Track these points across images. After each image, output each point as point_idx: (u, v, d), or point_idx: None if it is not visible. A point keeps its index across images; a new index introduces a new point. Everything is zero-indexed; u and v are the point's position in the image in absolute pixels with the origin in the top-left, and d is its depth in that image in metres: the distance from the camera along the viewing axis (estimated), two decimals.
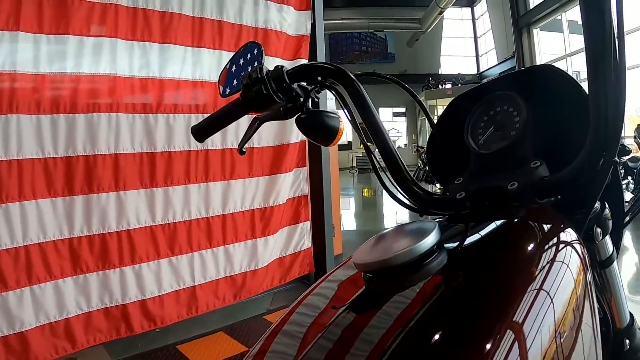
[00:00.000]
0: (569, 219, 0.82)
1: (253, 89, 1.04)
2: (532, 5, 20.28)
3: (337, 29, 25.68)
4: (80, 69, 3.05)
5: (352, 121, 1.08)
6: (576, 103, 0.85)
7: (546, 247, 0.73)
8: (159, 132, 3.36)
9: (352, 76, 1.02)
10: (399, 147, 25.25)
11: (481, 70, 27.34)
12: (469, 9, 28.08)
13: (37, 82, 2.91)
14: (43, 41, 2.92)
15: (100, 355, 3.21)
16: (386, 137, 0.99)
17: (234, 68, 1.17)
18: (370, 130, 0.99)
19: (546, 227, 0.78)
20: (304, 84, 1.07)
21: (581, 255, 0.74)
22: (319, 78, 1.06)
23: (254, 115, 1.11)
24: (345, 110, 1.07)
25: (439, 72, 27.70)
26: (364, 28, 25.99)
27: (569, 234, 0.76)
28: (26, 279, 2.88)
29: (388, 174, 1.01)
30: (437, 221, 0.79)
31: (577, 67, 18.36)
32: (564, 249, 0.74)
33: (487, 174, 0.89)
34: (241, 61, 1.15)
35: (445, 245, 0.71)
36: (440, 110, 26.04)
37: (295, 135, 4.10)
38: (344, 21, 24.79)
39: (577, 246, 0.75)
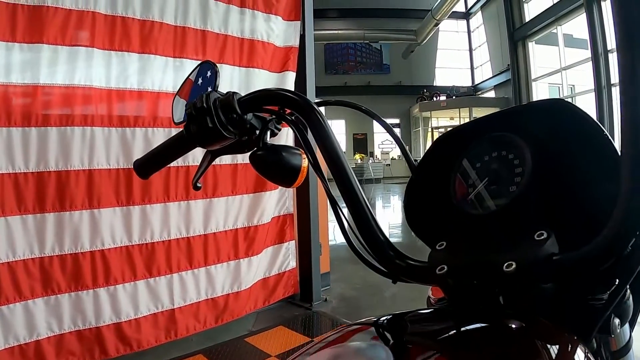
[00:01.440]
0: (578, 329, 0.64)
1: (197, 121, 0.88)
2: (527, 19, 20.38)
3: (332, 40, 25.68)
4: (54, 79, 2.89)
5: (314, 163, 0.88)
6: (599, 152, 0.63)
7: None
8: (137, 147, 3.18)
9: (313, 105, 0.85)
10: (392, 159, 25.33)
11: (476, 82, 27.39)
12: (464, 21, 28.17)
13: (8, 92, 2.75)
14: (15, 50, 2.77)
15: None
16: (353, 183, 0.80)
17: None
18: (334, 173, 0.82)
19: (551, 348, 0.58)
20: (262, 114, 0.90)
21: None
22: (276, 108, 0.89)
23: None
24: (305, 149, 0.88)
25: (434, 84, 27.76)
26: (360, 39, 26.00)
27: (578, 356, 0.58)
28: None
29: (355, 229, 0.80)
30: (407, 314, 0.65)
31: (572, 81, 18.42)
32: None
33: (477, 243, 0.69)
34: (200, 82, 0.98)
35: None
36: (434, 123, 26.04)
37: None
38: (339, 31, 24.79)
39: None
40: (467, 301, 0.68)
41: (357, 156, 26.40)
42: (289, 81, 4.02)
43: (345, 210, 0.83)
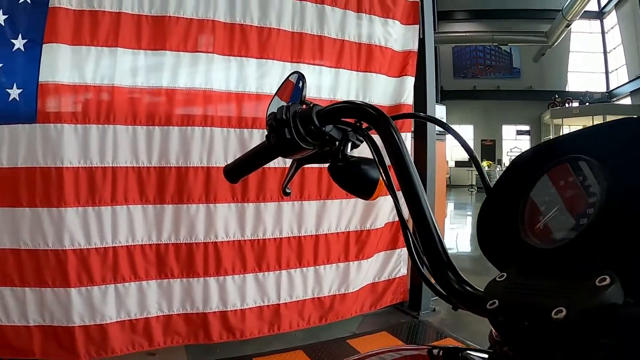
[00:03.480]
0: None
1: (277, 132, 0.92)
2: None
3: (460, 42, 25.13)
4: (176, 83, 3.12)
5: (386, 179, 0.86)
6: None
7: None
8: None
9: (388, 119, 0.83)
10: None
11: (611, 88, 25.64)
12: (597, 22, 26.40)
13: (134, 95, 3.03)
14: (141, 56, 3.05)
15: (180, 355, 3.31)
16: (422, 201, 0.77)
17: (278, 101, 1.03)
18: (404, 191, 0.79)
19: None
20: (342, 126, 0.92)
21: None
22: (353, 120, 0.90)
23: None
24: (378, 163, 0.87)
25: (566, 89, 26.34)
26: (488, 41, 25.20)
27: None
28: (112, 277, 3.05)
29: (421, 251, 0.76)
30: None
31: None
32: None
33: (536, 280, 0.61)
34: (288, 94, 1.01)
35: None
36: (566, 131, 24.76)
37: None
38: (466, 34, 24.23)
39: None
40: (518, 343, 0.62)
41: (485, 163, 25.61)
42: (407, 86, 4.01)
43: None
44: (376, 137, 0.86)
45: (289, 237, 3.56)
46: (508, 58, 27.96)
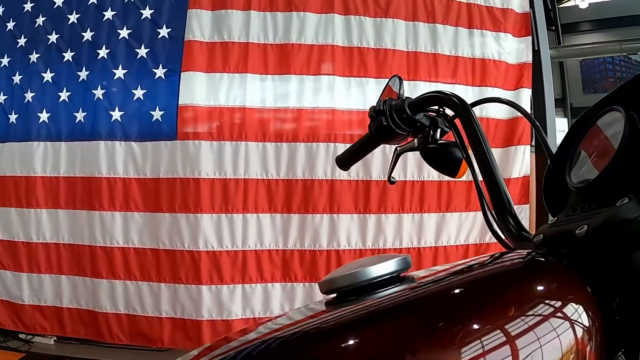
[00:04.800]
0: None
1: (375, 121, 1.11)
2: None
3: (587, 55, 23.95)
4: (301, 103, 3.42)
5: (466, 158, 1.00)
6: None
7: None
8: (375, 162, 3.50)
9: (467, 105, 0.99)
10: None
11: None
12: None
13: (263, 114, 3.37)
14: (268, 80, 3.40)
15: None
16: (495, 171, 0.91)
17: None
18: (480, 168, 0.93)
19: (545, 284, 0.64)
20: (433, 114, 1.08)
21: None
22: (437, 107, 1.07)
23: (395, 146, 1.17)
24: (459, 145, 1.01)
25: None
26: (616, 52, 23.85)
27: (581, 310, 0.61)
28: (240, 277, 3.37)
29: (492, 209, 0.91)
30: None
31: None
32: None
33: (574, 214, 0.72)
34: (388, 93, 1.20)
35: (414, 274, 0.71)
36: None
37: (517, 170, 3.91)
38: (593, 46, 23.13)
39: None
40: None
41: None
42: (524, 98, 3.97)
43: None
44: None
45: (408, 248, 3.66)
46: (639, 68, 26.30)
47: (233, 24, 3.41)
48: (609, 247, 0.64)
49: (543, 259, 0.71)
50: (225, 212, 3.34)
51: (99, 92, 3.44)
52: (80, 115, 3.44)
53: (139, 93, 3.41)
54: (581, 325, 0.60)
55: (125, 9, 3.50)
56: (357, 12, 3.53)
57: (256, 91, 3.38)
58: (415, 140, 1.11)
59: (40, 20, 3.59)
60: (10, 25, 3.65)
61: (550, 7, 7.00)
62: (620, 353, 0.66)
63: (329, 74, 3.46)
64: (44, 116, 3.49)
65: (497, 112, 3.79)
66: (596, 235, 0.63)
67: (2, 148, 3.57)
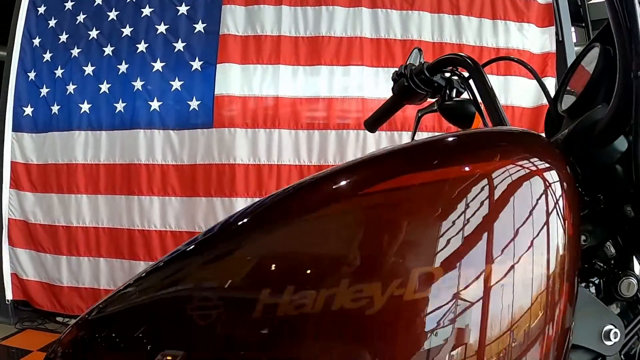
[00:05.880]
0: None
1: (398, 83, 1.27)
2: None
3: None
4: (331, 92, 3.55)
5: (478, 110, 1.12)
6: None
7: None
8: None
9: (478, 65, 1.10)
10: None
11: None
12: None
13: (295, 103, 3.50)
14: (300, 71, 3.55)
15: None
16: (504, 123, 1.01)
17: None
18: (490, 115, 1.04)
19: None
20: (448, 75, 1.22)
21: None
22: (452, 68, 1.21)
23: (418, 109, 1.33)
24: (473, 102, 1.15)
25: None
26: None
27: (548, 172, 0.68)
28: None
29: None
30: None
31: None
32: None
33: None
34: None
35: None
36: None
37: None
38: None
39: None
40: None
41: None
42: (548, 88, 4.05)
43: None
44: None
45: None
46: None
47: (265, 19, 3.57)
48: (584, 144, 0.75)
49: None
50: (259, 196, 3.44)
51: (138, 84, 3.60)
52: (120, 106, 3.61)
53: (176, 84, 3.56)
54: (557, 190, 0.67)
55: (162, 6, 3.68)
56: (384, 5, 3.65)
57: (288, 81, 3.52)
58: (435, 102, 1.26)
59: (80, 17, 3.77)
60: (52, 22, 3.83)
61: (579, 3, 7.03)
62: (608, 242, 0.78)
63: (357, 65, 3.58)
64: (85, 107, 3.66)
65: (522, 100, 3.86)
66: (573, 135, 0.76)
67: (44, 137, 3.75)
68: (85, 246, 3.66)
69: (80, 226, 3.66)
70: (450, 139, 0.73)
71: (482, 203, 0.62)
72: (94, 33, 3.74)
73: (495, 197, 0.63)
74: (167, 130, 3.56)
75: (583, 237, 0.76)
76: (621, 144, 0.73)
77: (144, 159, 3.55)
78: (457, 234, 0.60)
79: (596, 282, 0.80)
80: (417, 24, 3.72)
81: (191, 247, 0.71)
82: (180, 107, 3.56)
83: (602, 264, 0.79)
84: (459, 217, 0.61)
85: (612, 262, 0.78)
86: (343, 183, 0.68)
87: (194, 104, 3.53)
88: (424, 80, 1.22)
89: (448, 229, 0.61)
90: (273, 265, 0.65)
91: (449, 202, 0.62)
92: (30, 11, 3.88)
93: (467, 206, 0.62)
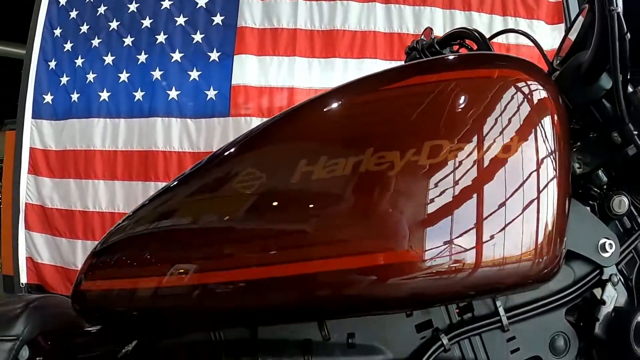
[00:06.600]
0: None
1: (410, 57, 1.40)
2: None
3: None
4: None
5: None
6: None
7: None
8: None
9: (484, 37, 1.23)
10: None
11: None
12: None
13: (310, 94, 3.56)
14: (315, 63, 3.64)
15: None
16: None
17: None
18: None
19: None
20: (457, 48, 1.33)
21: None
22: (461, 41, 1.32)
23: None
24: None
25: None
26: None
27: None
28: None
29: None
30: None
31: None
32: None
33: None
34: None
35: None
36: None
37: None
38: None
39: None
40: None
41: None
42: None
43: None
44: None
45: None
46: None
47: (282, 12, 3.67)
48: (572, 83, 0.90)
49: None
50: None
51: (157, 74, 3.70)
52: (139, 95, 3.71)
53: (194, 74, 3.66)
54: (544, 95, 0.82)
55: None
56: (397, 0, 3.76)
57: (304, 73, 3.61)
58: None
59: (101, 9, 3.87)
60: (74, 14, 3.93)
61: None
62: (600, 170, 0.90)
63: (371, 58, 3.67)
64: (104, 95, 3.75)
65: None
66: (563, 75, 0.92)
67: (63, 124, 3.83)
68: (101, 231, 3.69)
69: (97, 211, 3.74)
70: (455, 55, 0.97)
71: (481, 100, 0.79)
72: (114, 24, 3.83)
73: (491, 98, 0.79)
74: (184, 118, 3.65)
75: (577, 165, 0.88)
76: (606, 81, 0.85)
77: (161, 146, 3.64)
78: (461, 119, 0.79)
79: (592, 205, 0.92)
80: (429, 19, 3.80)
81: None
82: (197, 97, 3.65)
83: (596, 190, 0.91)
84: (461, 108, 0.80)
85: (605, 187, 0.90)
86: (372, 82, 0.96)
87: (211, 93, 3.62)
88: (435, 53, 1.31)
89: (454, 116, 0.79)
90: (309, 143, 0.85)
91: (456, 96, 0.80)
92: (52, 3, 3.98)
93: (469, 100, 0.80)
